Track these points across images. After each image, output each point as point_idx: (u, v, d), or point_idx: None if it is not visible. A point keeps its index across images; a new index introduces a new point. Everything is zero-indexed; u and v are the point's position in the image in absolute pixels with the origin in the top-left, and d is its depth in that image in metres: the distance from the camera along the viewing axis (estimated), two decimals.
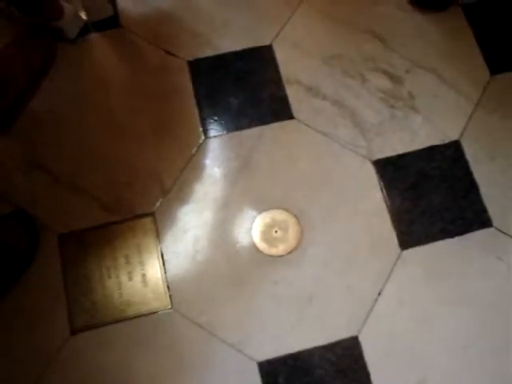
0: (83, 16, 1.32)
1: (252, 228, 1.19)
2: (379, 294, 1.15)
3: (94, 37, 1.33)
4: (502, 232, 1.20)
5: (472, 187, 1.23)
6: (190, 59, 1.32)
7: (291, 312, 1.14)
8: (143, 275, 1.15)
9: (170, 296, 1.14)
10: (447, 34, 1.38)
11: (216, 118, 1.27)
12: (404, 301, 1.15)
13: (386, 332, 1.13)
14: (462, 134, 1.28)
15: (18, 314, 1.12)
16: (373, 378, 1.10)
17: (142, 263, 1.16)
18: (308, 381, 1.09)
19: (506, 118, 1.30)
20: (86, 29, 1.33)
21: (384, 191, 1.22)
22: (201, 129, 1.26)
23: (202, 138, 1.26)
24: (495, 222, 1.21)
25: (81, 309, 1.12)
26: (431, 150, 1.26)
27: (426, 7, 1.39)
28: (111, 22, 1.34)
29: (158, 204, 1.20)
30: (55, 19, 1.25)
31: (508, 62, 1.36)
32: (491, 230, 1.20)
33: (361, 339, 1.12)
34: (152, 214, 1.19)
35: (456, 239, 1.19)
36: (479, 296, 1.16)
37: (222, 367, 1.10)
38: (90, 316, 1.12)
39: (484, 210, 1.22)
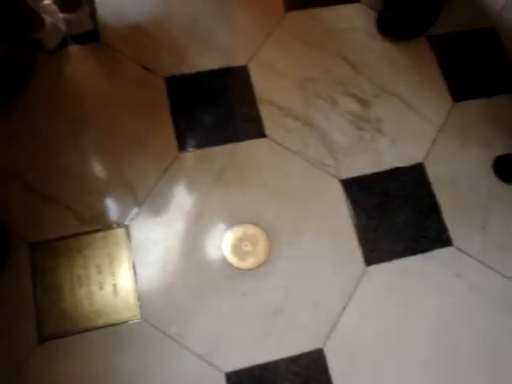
0: (63, 28, 1.34)
1: (223, 241, 1.22)
2: (344, 308, 1.19)
3: (73, 49, 1.36)
4: (462, 251, 1.26)
5: (434, 208, 1.29)
6: (167, 76, 1.35)
7: (259, 324, 1.16)
8: (114, 285, 1.16)
9: (140, 306, 1.15)
10: (414, 62, 1.45)
11: (190, 134, 1.31)
12: (368, 315, 1.19)
13: (350, 345, 1.16)
14: (425, 157, 1.34)
15: None
16: None
17: (113, 273, 1.17)
18: None
19: (467, 143, 1.37)
20: (66, 41, 1.35)
21: (351, 209, 1.27)
22: (175, 143, 1.29)
23: (177, 151, 1.28)
24: (455, 242, 1.26)
25: (50, 317, 1.12)
26: (396, 171, 1.32)
27: (394, 37, 1.46)
28: (91, 36, 1.37)
29: (130, 215, 1.22)
30: (35, 30, 1.26)
31: (470, 91, 1.43)
32: (452, 248, 1.26)
33: (326, 351, 1.15)
34: (124, 225, 1.21)
35: (418, 257, 1.24)
36: (439, 311, 1.20)
37: (190, 378, 1.11)
38: (59, 325, 1.12)
39: (445, 230, 1.27)
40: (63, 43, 1.35)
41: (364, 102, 1.38)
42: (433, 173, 1.32)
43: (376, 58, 1.45)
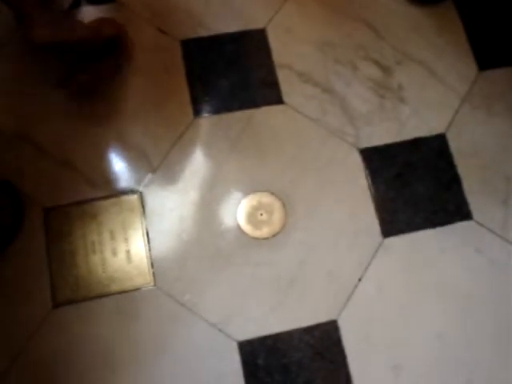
0: None
1: (238, 210, 1.20)
2: (359, 279, 1.17)
3: (87, 10, 1.32)
4: (482, 225, 1.23)
5: (455, 180, 1.26)
6: (183, 39, 1.31)
7: (272, 294, 1.15)
8: (127, 251, 1.15)
9: (154, 273, 1.15)
10: (439, 28, 1.39)
11: (206, 99, 1.27)
12: (383, 287, 1.17)
13: (364, 317, 1.15)
14: (448, 127, 1.30)
15: (0, 287, 1.12)
16: (350, 361, 1.12)
17: (126, 240, 1.16)
18: (286, 362, 1.11)
19: (491, 114, 1.32)
20: (79, 1, 1.31)
21: (369, 179, 1.24)
22: (191, 108, 1.26)
23: (192, 117, 1.26)
24: (475, 216, 1.23)
25: (64, 283, 1.12)
26: (417, 141, 1.28)
27: (419, 0, 1.40)
28: None
29: (144, 182, 1.20)
30: None
31: (496, 59, 1.38)
32: (471, 222, 1.23)
33: (339, 323, 1.14)
34: (138, 192, 1.19)
35: (437, 230, 1.22)
36: (456, 286, 1.18)
37: (203, 346, 1.11)
38: (73, 290, 1.12)
39: (465, 203, 1.24)
40: (76, 3, 1.31)
41: (386, 69, 1.34)
42: (455, 144, 1.28)
43: (399, 23, 1.39)
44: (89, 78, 1.21)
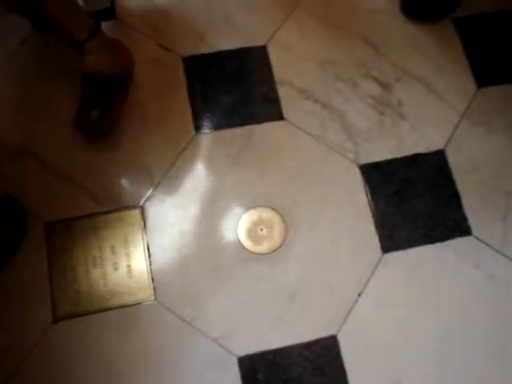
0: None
1: (238, 225, 1.21)
2: (359, 295, 1.18)
3: None
4: (481, 241, 1.23)
5: (454, 196, 1.26)
6: (185, 55, 1.33)
7: (273, 309, 1.16)
8: (128, 266, 1.16)
9: (154, 288, 1.15)
10: (438, 45, 1.41)
11: (208, 115, 1.29)
12: (383, 303, 1.17)
13: (364, 332, 1.15)
14: (447, 143, 1.31)
15: (0, 300, 1.13)
16: (349, 376, 1.12)
17: (127, 254, 1.17)
18: (286, 377, 1.11)
19: (490, 130, 1.33)
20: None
21: (369, 195, 1.25)
22: (192, 124, 1.28)
23: (193, 133, 1.27)
24: (475, 231, 1.24)
25: (64, 297, 1.13)
26: (417, 157, 1.29)
27: (419, 18, 1.42)
28: (107, 14, 1.35)
29: (146, 196, 1.21)
30: None
31: (495, 76, 1.39)
32: (471, 238, 1.23)
33: (339, 338, 1.14)
34: (140, 206, 1.20)
35: (436, 245, 1.22)
36: (455, 301, 1.19)
37: (203, 360, 1.11)
38: (74, 304, 1.12)
39: (464, 219, 1.25)
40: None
41: (385, 86, 1.35)
42: (454, 160, 1.29)
43: (399, 40, 1.41)
44: (101, 116, 1.22)
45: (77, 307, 1.12)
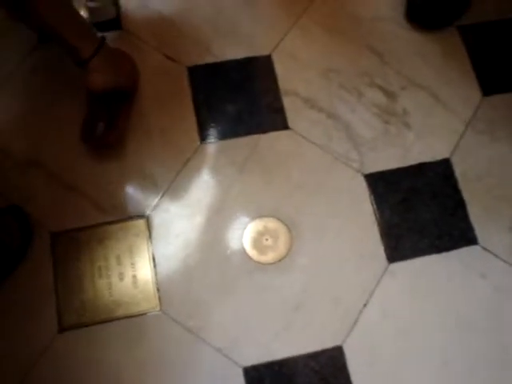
0: (85, 16, 1.32)
1: (243, 235, 1.21)
2: (365, 305, 1.17)
3: None
4: (487, 250, 1.23)
5: (460, 205, 1.26)
6: (190, 65, 1.33)
7: (278, 319, 1.16)
8: (134, 276, 1.16)
9: (160, 298, 1.15)
10: (443, 53, 1.40)
11: (213, 125, 1.29)
12: (389, 313, 1.17)
13: (369, 343, 1.15)
14: (452, 152, 1.30)
15: (5, 310, 1.13)
16: None
17: (133, 264, 1.17)
18: None
19: (495, 139, 1.33)
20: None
21: (374, 205, 1.25)
22: (197, 134, 1.28)
23: (198, 142, 1.27)
24: (481, 241, 1.23)
25: (70, 307, 1.13)
26: (422, 166, 1.29)
27: (424, 26, 1.42)
28: (113, 24, 1.35)
29: (151, 206, 1.21)
30: None
31: (500, 84, 1.39)
32: (477, 247, 1.23)
33: (345, 349, 1.14)
34: (145, 216, 1.21)
35: (442, 255, 1.22)
36: (461, 312, 1.18)
37: (208, 371, 1.11)
38: (80, 315, 1.12)
39: (470, 228, 1.24)
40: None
41: (390, 94, 1.35)
42: (460, 169, 1.29)
43: (404, 48, 1.41)
44: (107, 128, 1.23)
45: (82, 317, 1.13)
